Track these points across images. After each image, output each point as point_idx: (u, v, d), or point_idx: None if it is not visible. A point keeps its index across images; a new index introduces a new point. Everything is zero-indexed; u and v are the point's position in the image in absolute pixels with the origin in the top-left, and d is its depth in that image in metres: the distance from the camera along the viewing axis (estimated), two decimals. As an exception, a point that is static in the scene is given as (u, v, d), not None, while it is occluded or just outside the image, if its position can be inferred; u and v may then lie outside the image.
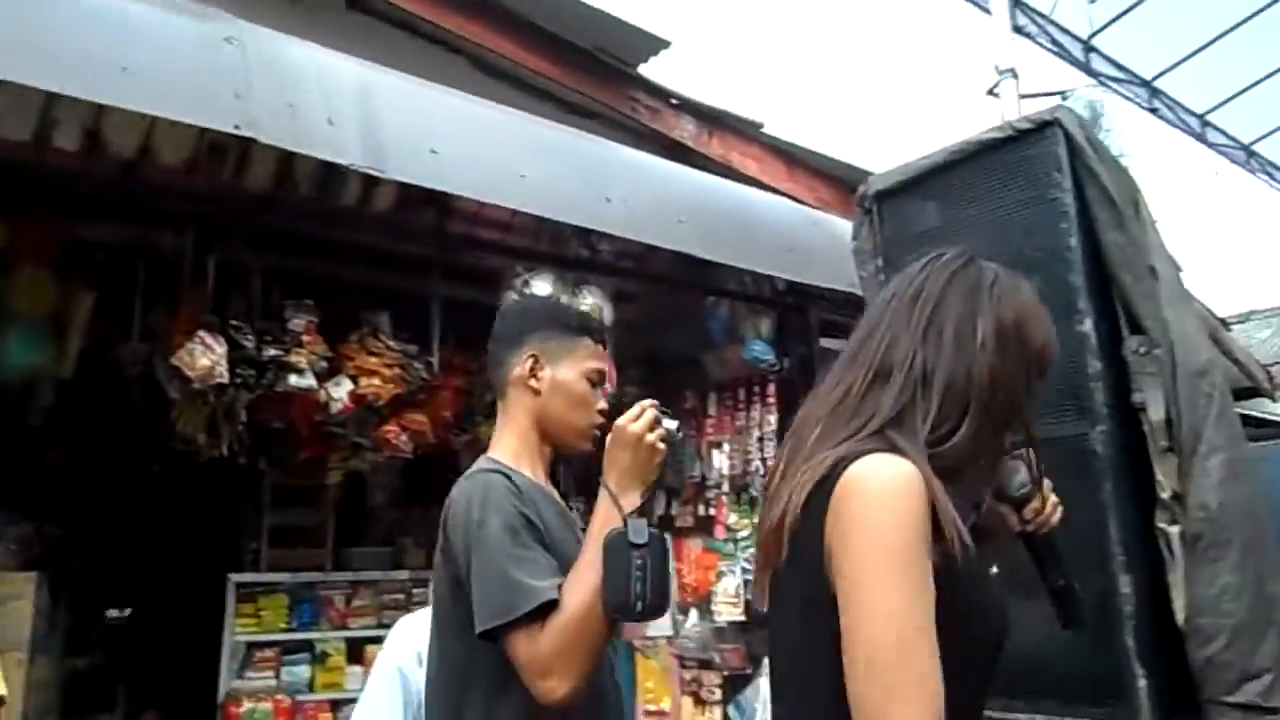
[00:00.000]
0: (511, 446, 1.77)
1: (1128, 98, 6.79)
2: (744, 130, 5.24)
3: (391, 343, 4.10)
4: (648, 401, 1.64)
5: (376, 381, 3.98)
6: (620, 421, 1.61)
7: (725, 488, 4.72)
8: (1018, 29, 5.83)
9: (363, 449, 4.30)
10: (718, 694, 4.70)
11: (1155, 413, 2.36)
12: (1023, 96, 4.66)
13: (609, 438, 1.61)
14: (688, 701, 4.87)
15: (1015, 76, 4.68)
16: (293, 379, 3.71)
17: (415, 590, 4.94)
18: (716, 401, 4.92)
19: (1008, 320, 1.28)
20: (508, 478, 1.63)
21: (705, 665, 4.79)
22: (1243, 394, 9.66)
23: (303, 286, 3.89)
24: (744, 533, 4.67)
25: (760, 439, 4.62)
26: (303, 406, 3.88)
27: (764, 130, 5.32)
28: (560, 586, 1.49)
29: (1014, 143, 2.70)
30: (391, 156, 3.09)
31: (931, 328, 1.28)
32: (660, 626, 5.12)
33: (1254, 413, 9.47)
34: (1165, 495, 2.29)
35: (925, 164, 2.95)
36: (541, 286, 4.03)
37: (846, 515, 1.13)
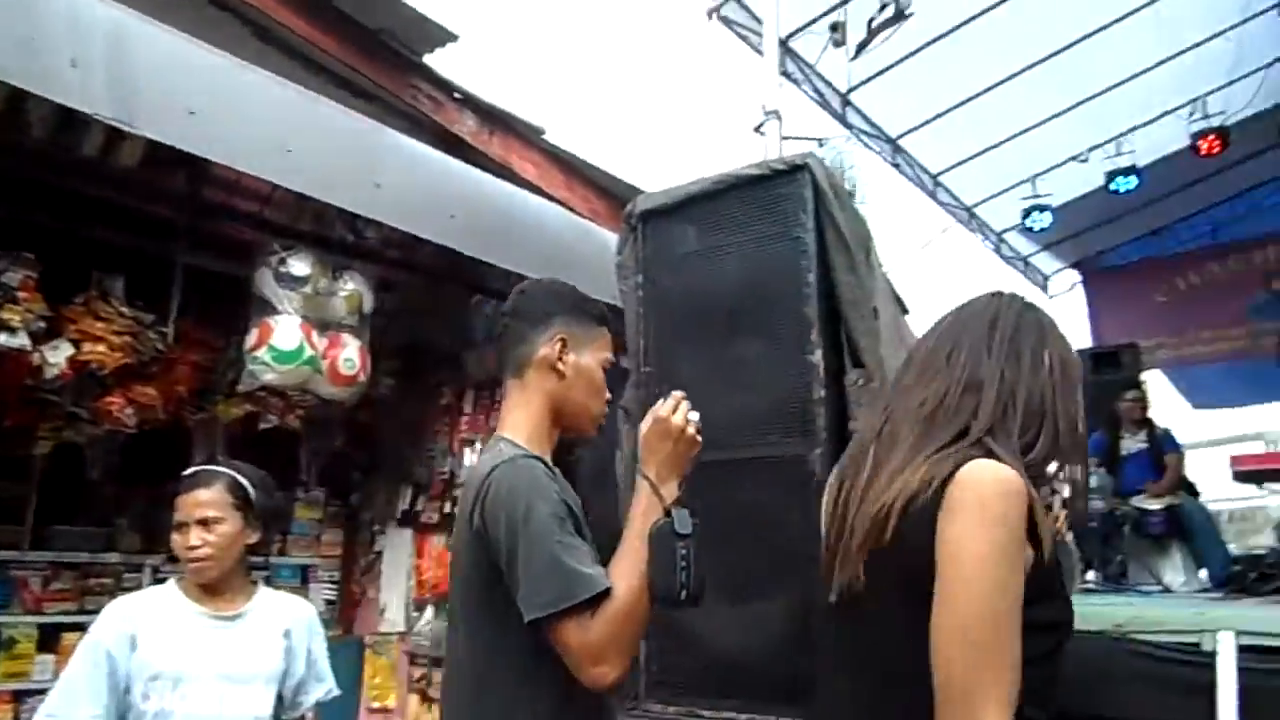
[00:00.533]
0: (526, 428, 1.73)
1: (875, 151, 7.41)
2: (525, 134, 5.28)
3: (124, 309, 3.81)
4: (679, 394, 1.66)
5: (102, 348, 3.68)
6: (661, 413, 1.63)
7: (473, 486, 4.71)
8: (785, 74, 6.25)
9: (79, 420, 3.95)
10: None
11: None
12: (784, 137, 4.99)
13: (648, 429, 1.63)
14: (414, 699, 4.82)
15: (779, 118, 5.02)
16: (1, 337, 3.36)
17: (127, 575, 4.58)
18: (474, 399, 4.92)
19: (1067, 357, 1.48)
20: (545, 464, 1.61)
21: (437, 663, 4.76)
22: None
23: (26, 238, 3.53)
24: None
25: (513, 440, 4.65)
26: (13, 368, 3.52)
27: (545, 137, 5.38)
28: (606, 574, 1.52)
29: (769, 181, 2.91)
30: (142, 111, 2.89)
31: (1013, 351, 1.45)
32: (393, 623, 5.04)
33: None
34: (868, 514, 2.53)
35: (690, 190, 3.10)
36: (299, 266, 3.88)
37: (963, 508, 1.27)
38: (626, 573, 1.52)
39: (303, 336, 3.90)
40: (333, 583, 5.34)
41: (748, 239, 2.93)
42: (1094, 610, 2.67)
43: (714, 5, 5.43)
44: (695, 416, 1.65)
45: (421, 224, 3.83)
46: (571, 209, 5.24)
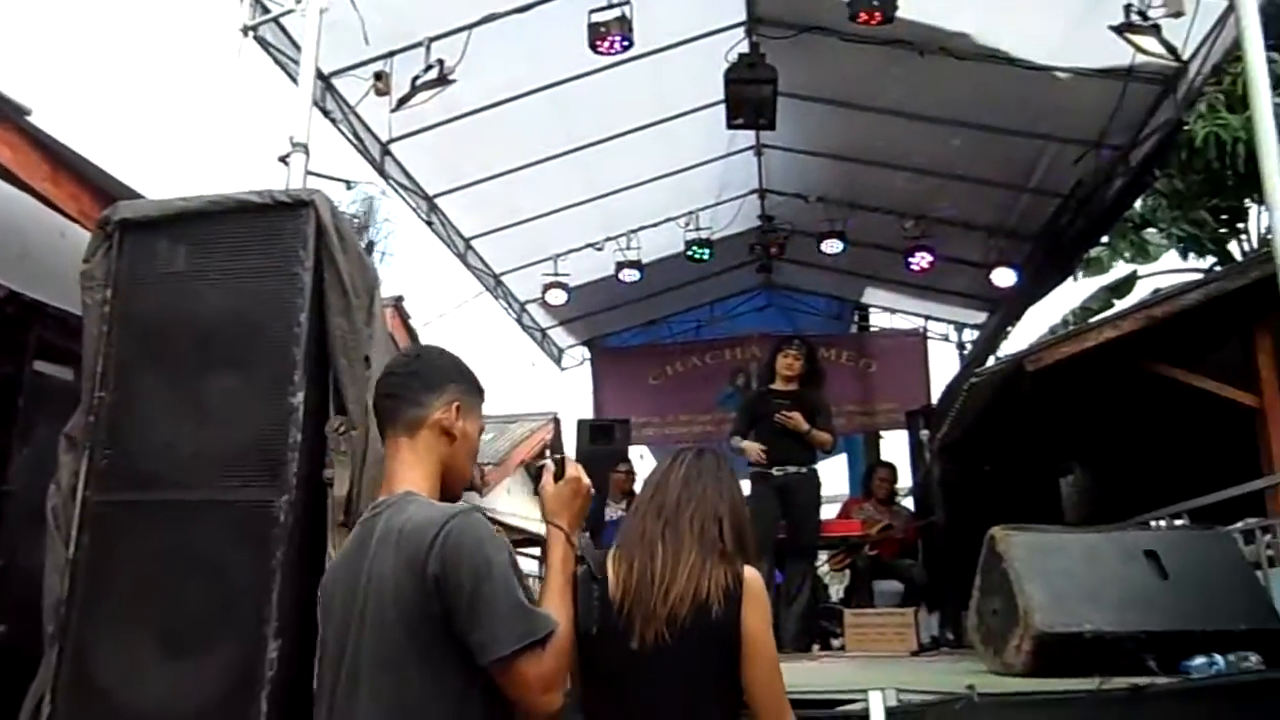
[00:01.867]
0: (425, 485, 1.84)
1: (411, 206, 7.48)
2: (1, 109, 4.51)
3: None
4: (572, 457, 2.05)
5: None
6: (575, 474, 1.98)
7: None
8: (325, 111, 6.09)
9: None
10: None
11: (340, 488, 2.55)
12: (310, 173, 4.81)
13: (561, 488, 1.97)
14: None
15: (307, 153, 4.83)
16: None
17: None
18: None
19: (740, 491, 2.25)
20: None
21: None
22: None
23: None
24: None
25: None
26: None
27: (30, 119, 4.65)
28: None
29: (271, 211, 2.78)
30: None
31: (726, 492, 2.18)
32: None
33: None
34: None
35: (183, 206, 2.86)
36: None
37: (758, 601, 2.02)
38: (563, 611, 1.79)
39: None
40: None
41: (242, 268, 2.76)
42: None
43: (249, 23, 5.13)
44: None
45: None
46: (56, 205, 4.58)
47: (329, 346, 2.68)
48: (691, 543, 2.05)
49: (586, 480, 1.97)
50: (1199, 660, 2.94)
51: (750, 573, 2.04)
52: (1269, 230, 3.49)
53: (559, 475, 1.97)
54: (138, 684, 2.31)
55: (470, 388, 1.97)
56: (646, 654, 1.94)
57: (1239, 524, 4.94)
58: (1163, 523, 5.25)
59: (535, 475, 10.41)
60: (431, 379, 1.92)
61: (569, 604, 1.82)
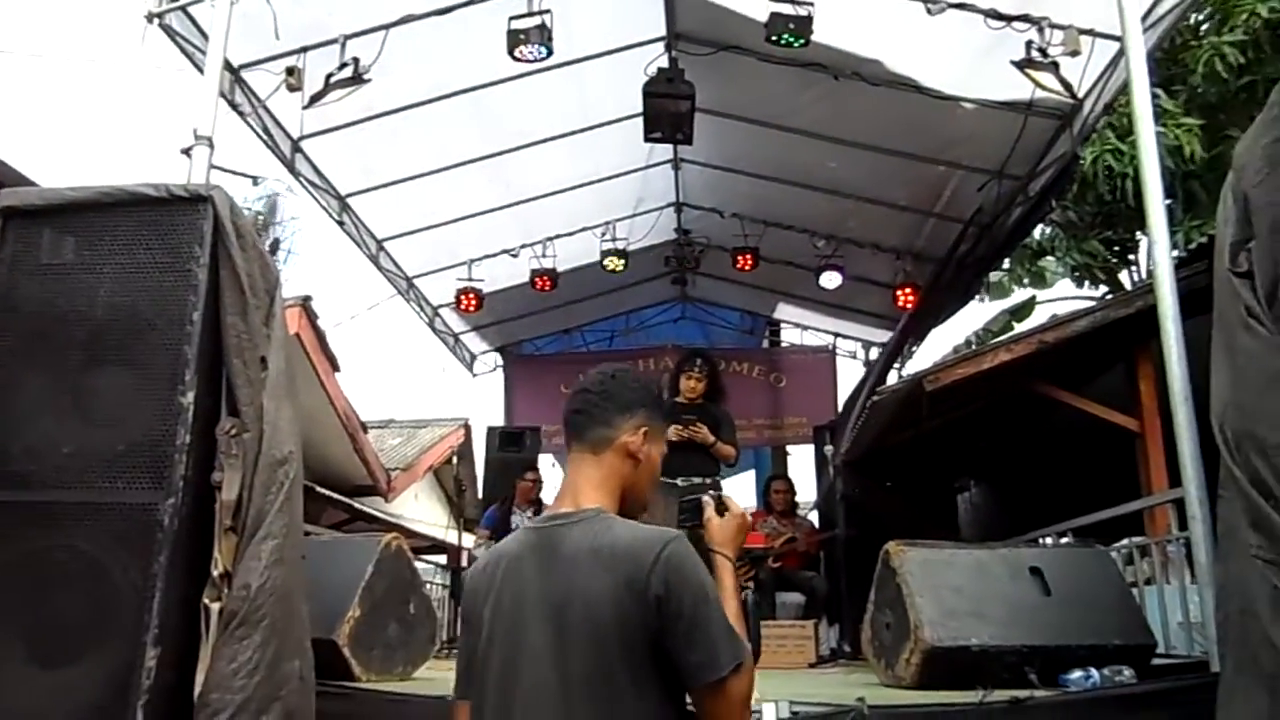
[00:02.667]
0: (610, 505, 1.85)
1: (322, 205, 7.32)
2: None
3: None
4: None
5: None
6: (738, 511, 2.01)
7: None
8: (234, 105, 5.93)
9: None
10: None
11: (229, 493, 2.47)
12: (214, 167, 4.67)
13: (731, 522, 1.99)
14: None
15: (211, 146, 4.69)
16: None
17: None
18: None
19: None
20: None
21: None
22: (365, 490, 10.57)
23: None
24: None
25: None
26: None
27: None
28: None
29: (166, 205, 2.68)
30: None
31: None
32: None
33: (367, 508, 10.62)
34: (216, 573, 2.38)
35: (72, 196, 2.74)
36: None
37: None
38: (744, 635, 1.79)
39: None
40: None
41: (133, 262, 2.65)
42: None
43: (155, 10, 4.95)
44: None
45: None
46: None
47: (223, 347, 2.60)
48: None
49: (748, 517, 2.07)
50: (1076, 674, 3.05)
51: None
52: (1152, 262, 3.66)
53: (721, 510, 2.01)
54: (6, 694, 2.20)
55: (657, 414, 1.97)
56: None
57: (1123, 542, 5.15)
58: (1049, 540, 5.44)
59: (456, 483, 10.26)
60: (623, 401, 1.93)
61: (744, 627, 1.78)
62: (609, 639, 1.66)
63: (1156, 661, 3.39)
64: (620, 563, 1.69)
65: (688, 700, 1.70)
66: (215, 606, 2.34)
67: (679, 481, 5.84)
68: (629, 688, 1.65)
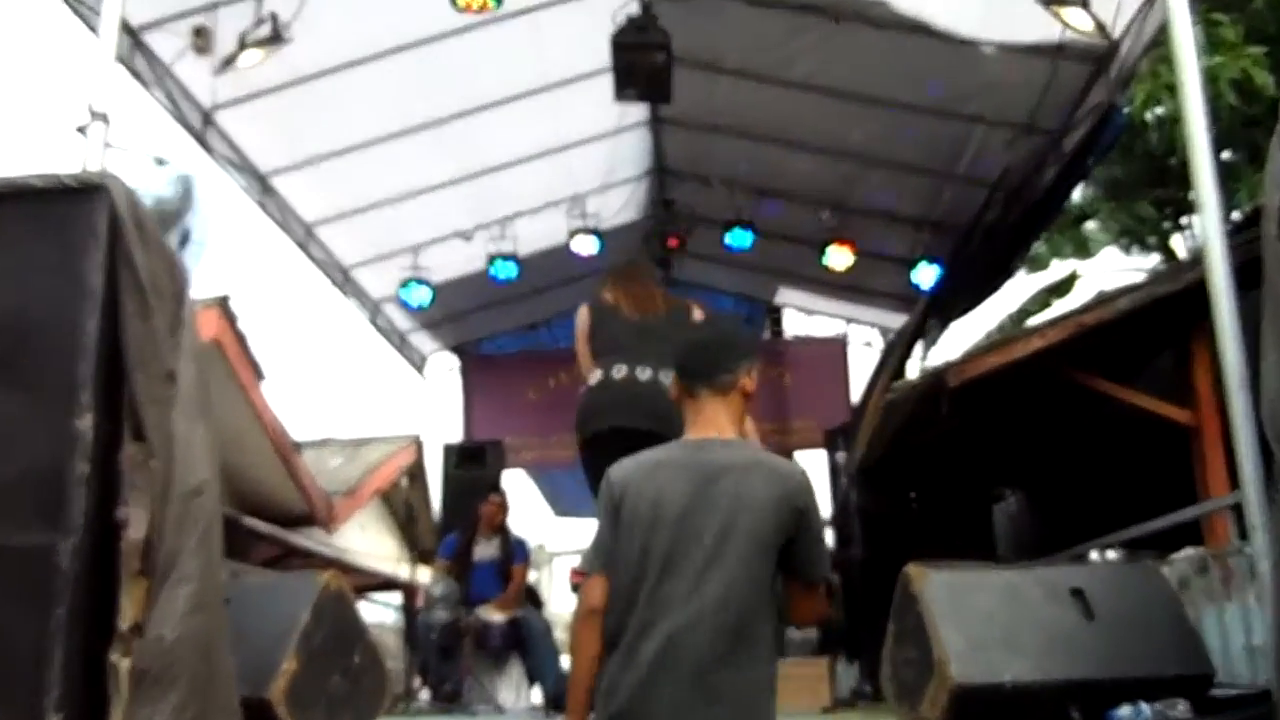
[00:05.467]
0: (739, 438, 2.76)
1: (240, 186, 7.31)
2: None
3: None
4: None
5: None
6: None
7: None
8: (135, 73, 5.93)
9: None
10: None
11: (136, 531, 2.48)
12: (111, 146, 4.68)
13: None
14: None
15: (108, 122, 4.70)
16: None
17: None
18: None
19: None
20: None
21: None
22: (301, 520, 10.56)
23: None
24: None
25: None
26: None
27: None
28: None
29: (54, 197, 2.69)
30: None
31: None
32: None
33: (303, 541, 10.63)
34: (125, 624, 2.40)
35: (-58, 189, 2.75)
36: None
37: None
38: None
39: None
40: None
41: (13, 264, 2.66)
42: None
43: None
44: None
45: None
46: None
47: (124, 359, 2.61)
48: None
49: None
50: (1125, 710, 3.11)
51: None
52: (1202, 226, 3.70)
53: None
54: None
55: (757, 358, 2.85)
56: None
57: (1178, 555, 5.20)
58: (1095, 555, 5.50)
59: (407, 509, 10.29)
60: (741, 347, 2.82)
61: None
62: (764, 533, 2.54)
63: (1216, 693, 3.44)
64: (778, 480, 2.61)
65: None
66: (125, 664, 2.36)
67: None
68: (760, 567, 2.54)
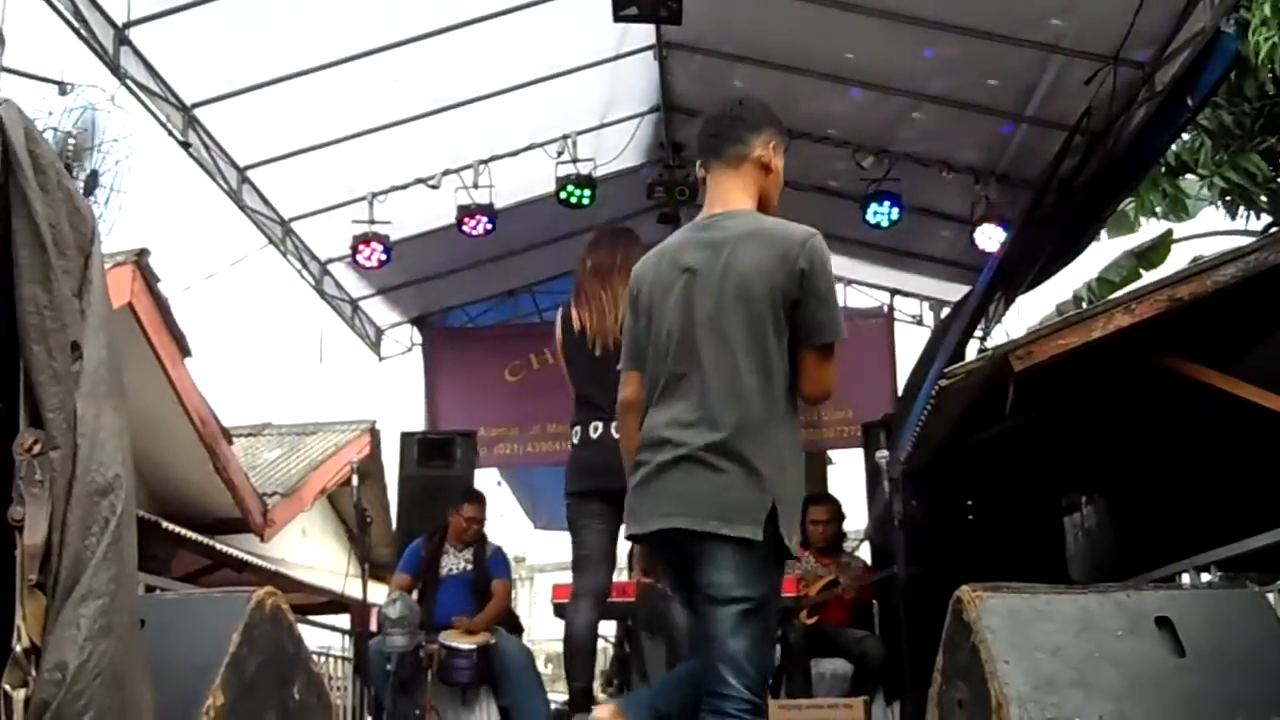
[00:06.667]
0: (752, 208, 3.29)
1: (159, 120, 7.27)
2: None
3: None
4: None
5: None
6: None
7: None
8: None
9: None
10: None
11: (33, 535, 2.49)
12: (6, 71, 4.68)
13: None
14: None
15: (1, 41, 4.70)
16: None
17: None
18: None
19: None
20: None
21: None
22: (231, 525, 10.65)
23: None
24: None
25: None
26: None
27: None
28: None
29: (-69, 128, 2.69)
30: None
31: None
32: None
33: (234, 550, 10.67)
34: (20, 647, 2.41)
35: None
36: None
37: None
38: None
39: None
40: None
41: (-113, 211, 2.67)
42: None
43: None
44: None
45: None
46: None
47: (19, 328, 2.62)
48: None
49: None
50: (1221, 763, 3.11)
51: None
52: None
53: None
54: None
55: (781, 131, 3.41)
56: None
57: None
58: (1186, 577, 5.50)
59: (359, 513, 10.39)
60: (754, 121, 3.33)
61: None
62: (761, 295, 3.07)
63: (1331, 742, 3.46)
64: (776, 242, 3.13)
65: None
66: (20, 694, 2.38)
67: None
68: (769, 331, 3.08)
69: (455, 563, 7.18)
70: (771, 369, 3.08)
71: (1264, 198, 11.67)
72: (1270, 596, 4.05)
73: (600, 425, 4.83)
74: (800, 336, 3.10)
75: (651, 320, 3.26)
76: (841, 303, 11.02)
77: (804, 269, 3.05)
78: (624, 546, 5.79)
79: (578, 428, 4.99)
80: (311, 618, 10.20)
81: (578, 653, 4.95)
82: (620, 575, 6.50)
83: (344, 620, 11.11)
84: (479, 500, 7.51)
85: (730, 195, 3.27)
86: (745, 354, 3.07)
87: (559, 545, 12.35)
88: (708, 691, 3.02)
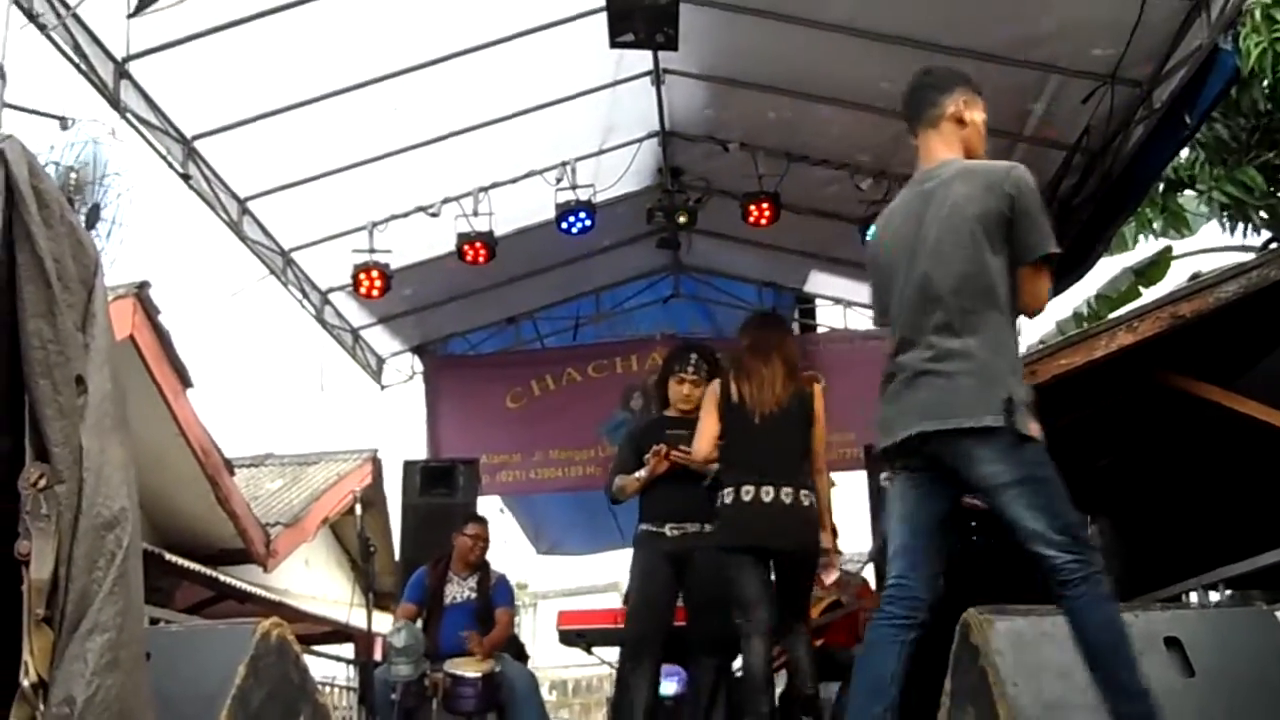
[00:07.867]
0: (956, 158, 3.70)
1: (160, 152, 7.29)
2: None
3: None
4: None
5: None
6: None
7: None
8: (33, 17, 5.93)
9: None
10: None
11: (40, 570, 2.49)
12: (7, 106, 4.71)
13: None
14: None
15: (3, 77, 4.72)
16: None
17: None
18: None
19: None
20: None
21: None
22: (234, 556, 10.63)
23: None
24: None
25: None
26: None
27: None
28: None
29: (-64, 165, 2.71)
30: None
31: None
32: None
33: (237, 581, 10.65)
34: (27, 682, 2.40)
35: None
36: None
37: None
38: None
39: None
40: None
41: (-108, 248, 2.68)
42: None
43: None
44: None
45: None
46: None
47: (24, 363, 2.63)
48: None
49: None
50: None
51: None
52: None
53: None
54: None
55: (972, 89, 3.79)
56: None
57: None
58: (1195, 595, 5.50)
59: (362, 542, 10.37)
60: (941, 84, 3.79)
61: None
62: (972, 219, 3.47)
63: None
64: (982, 175, 3.55)
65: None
66: (29, 732, 2.37)
67: (669, 530, 5.89)
68: (986, 250, 3.46)
69: (460, 591, 7.16)
70: (993, 286, 3.47)
71: (1262, 213, 11.70)
72: (1278, 614, 4.05)
73: (752, 490, 5.27)
74: (1015, 255, 3.48)
75: (886, 278, 3.77)
76: (841, 325, 11.38)
77: (1012, 194, 3.45)
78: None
79: (730, 490, 5.34)
80: (316, 647, 10.17)
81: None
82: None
83: (348, 650, 11.08)
84: (482, 521, 7.55)
85: (935, 150, 3.71)
86: (969, 275, 3.48)
87: (562, 572, 12.39)
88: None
